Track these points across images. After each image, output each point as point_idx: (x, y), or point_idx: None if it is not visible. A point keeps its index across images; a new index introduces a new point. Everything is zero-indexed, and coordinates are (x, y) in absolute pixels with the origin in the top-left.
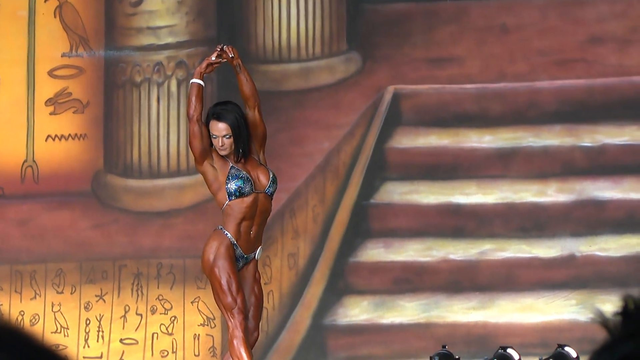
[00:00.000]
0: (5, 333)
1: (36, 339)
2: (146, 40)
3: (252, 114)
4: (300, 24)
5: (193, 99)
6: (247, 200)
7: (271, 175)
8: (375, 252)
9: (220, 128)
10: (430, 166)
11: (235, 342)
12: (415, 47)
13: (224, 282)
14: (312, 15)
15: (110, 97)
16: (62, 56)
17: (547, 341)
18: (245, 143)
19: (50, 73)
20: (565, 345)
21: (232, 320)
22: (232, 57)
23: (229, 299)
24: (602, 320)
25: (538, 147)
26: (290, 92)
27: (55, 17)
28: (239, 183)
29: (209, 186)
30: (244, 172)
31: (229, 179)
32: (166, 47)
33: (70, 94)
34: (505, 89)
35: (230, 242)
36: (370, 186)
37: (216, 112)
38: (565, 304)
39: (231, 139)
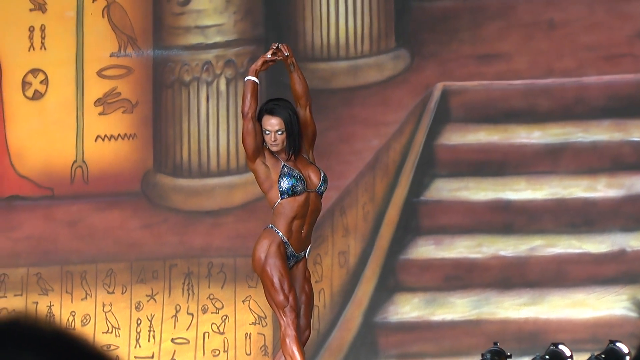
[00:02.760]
0: (53, 336)
1: (84, 341)
2: (194, 39)
3: (304, 112)
4: (349, 21)
5: (248, 96)
6: (299, 199)
7: (322, 175)
8: (425, 250)
9: (273, 123)
10: (480, 163)
11: (287, 340)
12: (463, 44)
13: (275, 280)
14: (360, 13)
15: (159, 97)
16: (110, 56)
17: (598, 337)
18: (297, 140)
19: (99, 73)
20: (616, 341)
21: (284, 319)
22: (286, 55)
23: (281, 297)
24: None
25: (587, 143)
26: (338, 90)
27: (103, 17)
28: (292, 182)
29: (260, 184)
30: (297, 171)
31: (281, 177)
32: (214, 46)
33: (119, 94)
34: (553, 84)
35: (282, 240)
36: (420, 183)
37: (269, 108)
38: (616, 299)
39: (284, 135)
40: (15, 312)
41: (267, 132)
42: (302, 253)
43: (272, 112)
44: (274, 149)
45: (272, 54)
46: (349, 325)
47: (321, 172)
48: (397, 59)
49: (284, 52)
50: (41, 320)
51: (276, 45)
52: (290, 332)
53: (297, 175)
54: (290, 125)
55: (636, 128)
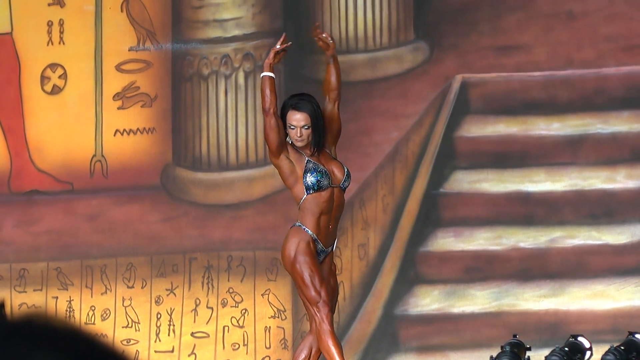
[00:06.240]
0: (68, 334)
1: (100, 340)
2: (213, 32)
3: (331, 107)
4: (367, 13)
5: (267, 92)
6: (324, 194)
7: (346, 170)
8: (445, 242)
9: (299, 118)
10: (499, 154)
11: (323, 335)
12: (483, 35)
13: (306, 276)
14: (379, 5)
15: (178, 90)
16: (129, 50)
17: (618, 328)
18: (322, 134)
19: (118, 67)
20: (636, 333)
21: (318, 314)
22: (331, 41)
23: (313, 292)
24: None
25: (606, 134)
26: (358, 83)
27: (122, 11)
28: (318, 177)
29: (285, 180)
30: (321, 166)
31: (306, 172)
32: (233, 39)
33: (138, 87)
34: (573, 75)
35: (311, 237)
36: (439, 175)
37: (294, 103)
38: (637, 290)
39: (309, 130)
40: (29, 310)
41: (293, 127)
42: (330, 247)
43: (297, 108)
44: (299, 144)
45: (281, 43)
46: (369, 317)
47: (345, 167)
48: (416, 51)
49: (327, 41)
50: (56, 318)
51: (284, 34)
52: (325, 327)
53: (322, 170)
54: (316, 120)
55: None
